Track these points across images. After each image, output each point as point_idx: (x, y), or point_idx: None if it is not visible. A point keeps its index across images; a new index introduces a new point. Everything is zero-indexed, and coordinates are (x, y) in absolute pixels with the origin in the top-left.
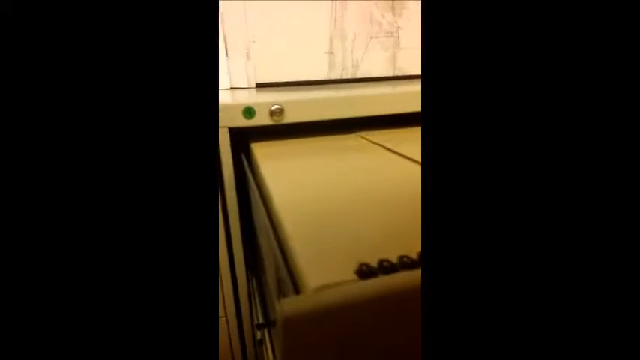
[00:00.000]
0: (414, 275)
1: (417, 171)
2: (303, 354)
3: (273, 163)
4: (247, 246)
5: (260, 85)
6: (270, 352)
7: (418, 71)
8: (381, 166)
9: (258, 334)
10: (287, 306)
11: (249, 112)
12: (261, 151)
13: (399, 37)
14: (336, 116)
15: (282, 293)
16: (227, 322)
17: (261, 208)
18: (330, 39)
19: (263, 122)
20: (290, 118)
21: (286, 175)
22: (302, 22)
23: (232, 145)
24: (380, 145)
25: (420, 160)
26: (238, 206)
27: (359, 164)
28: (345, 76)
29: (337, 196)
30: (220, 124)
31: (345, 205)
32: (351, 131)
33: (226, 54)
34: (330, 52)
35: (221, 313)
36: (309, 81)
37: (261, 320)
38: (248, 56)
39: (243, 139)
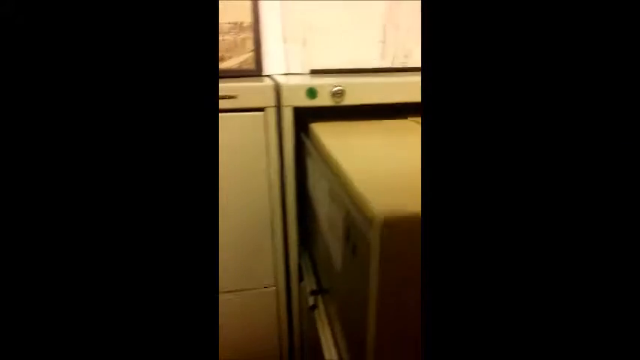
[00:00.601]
0: None
1: None
2: (399, 254)
3: (334, 139)
4: (300, 221)
5: (314, 72)
6: (323, 315)
7: None
8: None
9: (311, 300)
10: (382, 209)
11: (312, 92)
12: (321, 129)
13: None
14: (392, 100)
15: (351, 240)
16: (277, 291)
17: (325, 175)
18: (383, 27)
19: (325, 103)
20: (350, 100)
21: (347, 147)
22: (356, 10)
23: (294, 125)
24: None
25: None
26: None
27: (410, 140)
28: (395, 65)
29: (393, 163)
30: (285, 103)
31: (400, 168)
32: (403, 117)
33: (283, 40)
34: (383, 41)
35: (272, 282)
36: (361, 69)
37: (314, 287)
38: (304, 43)
39: (302, 120)
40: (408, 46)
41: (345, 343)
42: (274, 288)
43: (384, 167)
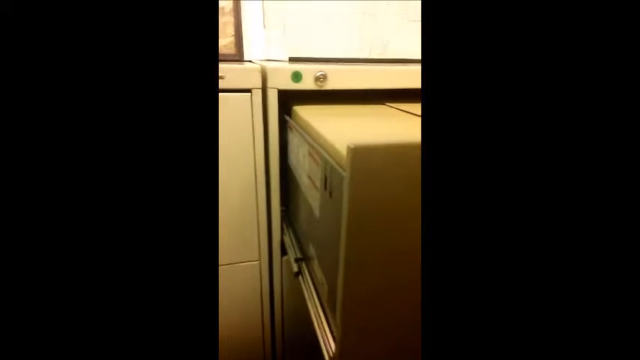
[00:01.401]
0: None
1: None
2: (368, 183)
3: (315, 117)
4: (283, 198)
5: (293, 60)
6: (308, 278)
7: None
8: (400, 119)
9: (295, 267)
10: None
11: (297, 76)
12: (303, 111)
13: None
14: (371, 86)
15: (328, 186)
16: (260, 265)
17: (306, 141)
18: (361, 16)
19: (308, 87)
20: (332, 84)
21: (326, 121)
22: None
23: (278, 107)
24: (403, 110)
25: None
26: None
27: (385, 119)
28: (373, 56)
29: (365, 129)
30: (270, 85)
31: (372, 133)
32: (381, 102)
33: (264, 26)
34: (361, 31)
35: (255, 257)
36: (339, 58)
37: (298, 255)
38: (284, 30)
39: (285, 104)
40: (385, 36)
41: (327, 295)
42: (257, 262)
43: (358, 132)
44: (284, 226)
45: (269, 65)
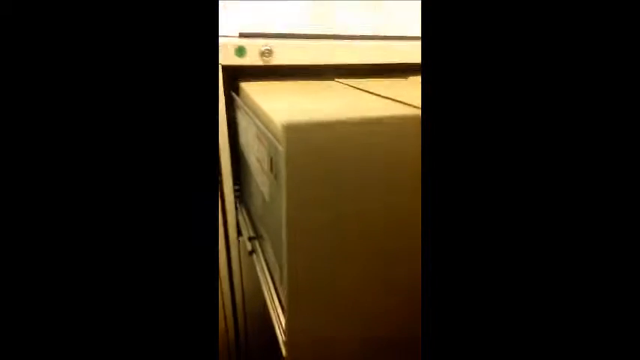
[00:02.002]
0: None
1: (369, 97)
2: (301, 160)
3: (261, 93)
4: (235, 180)
5: (243, 35)
6: (261, 256)
7: (398, 33)
8: (347, 94)
9: (249, 245)
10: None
11: (240, 51)
12: (250, 87)
13: None
14: (319, 62)
15: (273, 168)
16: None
17: (252, 121)
18: None
19: (253, 62)
20: (278, 60)
21: (272, 97)
22: None
23: (224, 84)
24: (351, 86)
25: (378, 93)
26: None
27: (332, 94)
28: (324, 32)
29: (311, 106)
30: None
31: (316, 109)
32: (330, 78)
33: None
34: (313, 7)
35: None
36: (290, 34)
37: (252, 234)
38: (226, 7)
39: (232, 80)
40: (336, 14)
41: (279, 276)
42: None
43: (302, 108)
44: (237, 205)
45: None
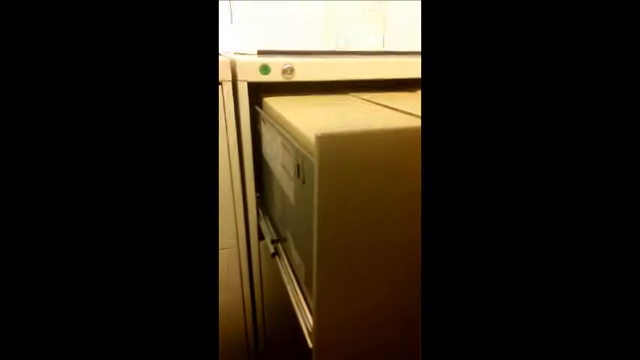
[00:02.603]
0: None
1: (384, 110)
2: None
3: (285, 108)
4: (258, 186)
5: (261, 53)
6: (285, 258)
7: (404, 48)
8: (363, 107)
9: (272, 248)
10: (319, 133)
11: (265, 69)
12: (273, 102)
13: (386, 16)
14: (336, 77)
15: (300, 174)
16: (238, 251)
17: (278, 133)
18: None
19: (276, 79)
20: (299, 76)
21: (296, 111)
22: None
23: (249, 98)
24: (367, 100)
25: (391, 106)
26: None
27: (349, 108)
28: (337, 49)
29: (334, 118)
30: (240, 78)
31: (338, 122)
32: (345, 92)
33: (231, 21)
34: (325, 24)
35: (234, 243)
36: (306, 51)
37: (275, 237)
38: (252, 23)
39: (257, 95)
40: (348, 33)
41: (304, 277)
42: (236, 248)
43: (325, 121)
44: (260, 212)
45: (239, 58)
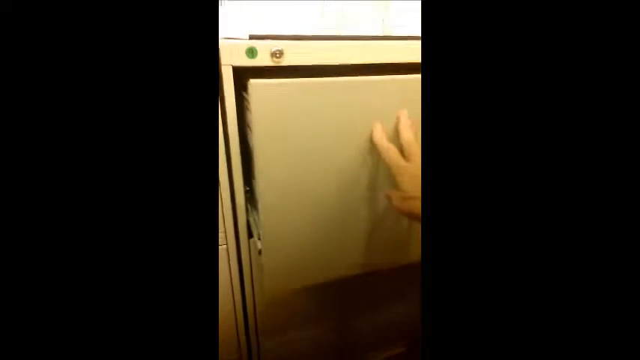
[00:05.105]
0: None
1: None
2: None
3: None
4: (247, 179)
5: (253, 37)
6: None
7: (405, 33)
8: None
9: (259, 244)
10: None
11: (251, 52)
12: None
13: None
14: (329, 61)
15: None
16: (227, 249)
17: None
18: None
19: (264, 63)
20: (289, 60)
21: None
22: None
23: (234, 82)
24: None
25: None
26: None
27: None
28: (332, 33)
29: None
30: (224, 62)
31: None
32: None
33: (220, 4)
34: (321, 13)
35: (222, 241)
36: (299, 36)
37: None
38: (242, 8)
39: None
40: (346, 15)
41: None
42: (225, 246)
43: None
44: (248, 207)
45: (224, 42)
